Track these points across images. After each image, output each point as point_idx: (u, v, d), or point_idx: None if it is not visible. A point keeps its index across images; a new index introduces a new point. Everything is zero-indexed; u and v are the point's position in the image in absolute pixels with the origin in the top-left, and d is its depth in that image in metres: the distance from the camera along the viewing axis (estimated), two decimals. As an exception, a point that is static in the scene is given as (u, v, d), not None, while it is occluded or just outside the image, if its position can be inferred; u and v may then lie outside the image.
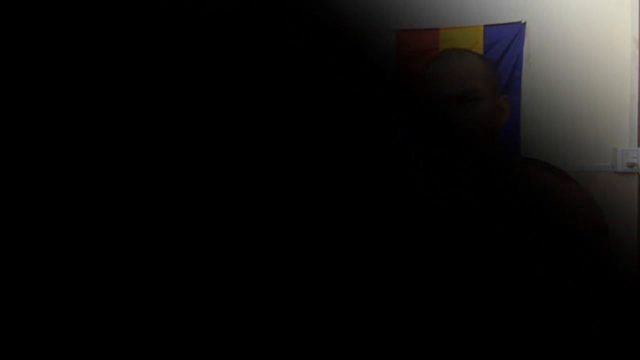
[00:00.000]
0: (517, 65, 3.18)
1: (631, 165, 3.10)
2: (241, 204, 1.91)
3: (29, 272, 2.02)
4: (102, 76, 2.03)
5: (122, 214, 2.02)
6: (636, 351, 1.41)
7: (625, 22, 3.16)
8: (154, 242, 2.00)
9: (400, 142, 1.70)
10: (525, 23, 3.22)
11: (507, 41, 3.20)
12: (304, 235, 1.74)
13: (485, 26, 3.22)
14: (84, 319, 2.01)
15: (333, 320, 1.70)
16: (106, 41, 2.00)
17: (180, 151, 1.99)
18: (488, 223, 1.65)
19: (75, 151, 2.05)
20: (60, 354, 1.94)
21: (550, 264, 1.57)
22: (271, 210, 1.87)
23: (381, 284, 1.66)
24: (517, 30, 3.20)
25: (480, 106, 1.61)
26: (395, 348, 1.60)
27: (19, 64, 1.97)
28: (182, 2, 1.98)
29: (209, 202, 1.95)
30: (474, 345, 1.50)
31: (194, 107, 1.98)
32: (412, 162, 1.69)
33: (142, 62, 1.99)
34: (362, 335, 1.65)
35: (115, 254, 2.03)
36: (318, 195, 1.75)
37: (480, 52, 3.18)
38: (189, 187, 1.98)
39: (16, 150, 2.02)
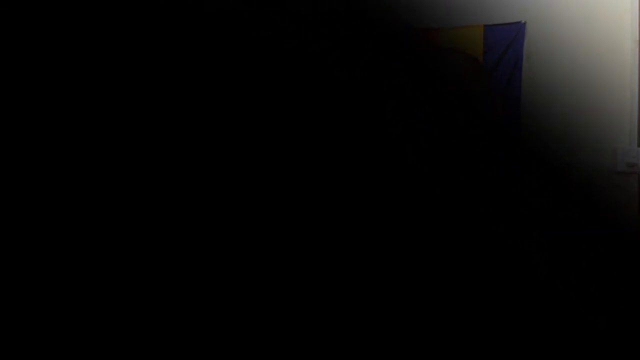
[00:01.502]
0: (517, 65, 3.17)
1: (631, 165, 3.10)
2: (244, 200, 1.91)
3: (29, 272, 2.02)
4: (102, 76, 2.02)
5: (123, 214, 2.01)
6: (638, 348, 1.41)
7: (625, 22, 3.16)
8: (155, 242, 1.99)
9: (409, 134, 1.71)
10: (525, 23, 3.22)
11: (507, 41, 3.20)
12: (310, 228, 1.74)
13: (485, 26, 3.22)
14: (84, 319, 2.00)
15: (334, 319, 1.69)
16: (107, 41, 1.99)
17: (181, 151, 1.98)
18: (491, 222, 1.65)
19: (76, 151, 2.04)
20: (60, 354, 1.94)
21: (553, 262, 1.57)
22: (276, 205, 1.87)
23: (383, 282, 1.65)
24: (517, 30, 3.20)
25: (469, 104, 1.61)
26: (396, 347, 1.60)
27: (20, 64, 1.97)
28: (182, 2, 1.98)
29: (211, 202, 1.94)
30: (476, 343, 1.50)
31: (195, 106, 1.97)
32: (420, 157, 1.70)
33: (142, 62, 1.99)
34: (363, 334, 1.65)
35: (116, 254, 2.02)
36: (325, 190, 1.75)
37: (480, 51, 3.18)
38: (191, 187, 1.98)
39: (17, 150, 2.02)
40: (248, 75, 1.93)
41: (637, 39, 3.12)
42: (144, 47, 1.94)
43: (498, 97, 1.71)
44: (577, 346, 1.45)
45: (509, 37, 3.22)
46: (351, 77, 1.95)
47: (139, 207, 1.97)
